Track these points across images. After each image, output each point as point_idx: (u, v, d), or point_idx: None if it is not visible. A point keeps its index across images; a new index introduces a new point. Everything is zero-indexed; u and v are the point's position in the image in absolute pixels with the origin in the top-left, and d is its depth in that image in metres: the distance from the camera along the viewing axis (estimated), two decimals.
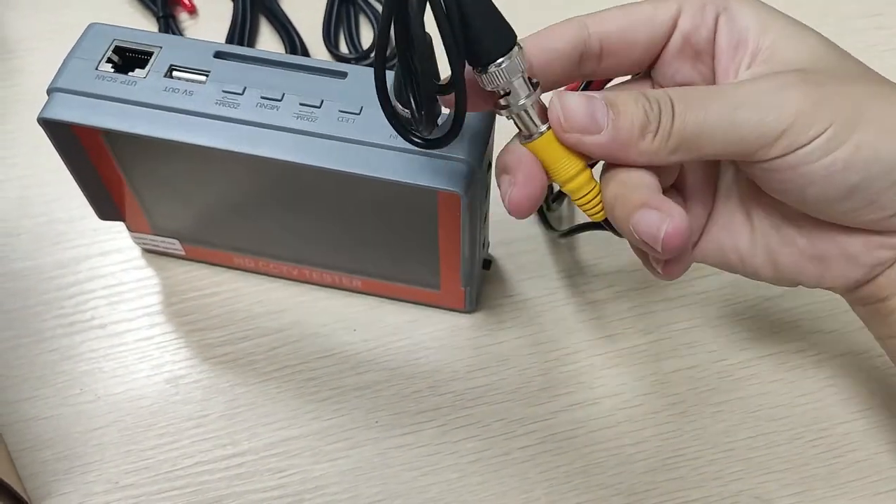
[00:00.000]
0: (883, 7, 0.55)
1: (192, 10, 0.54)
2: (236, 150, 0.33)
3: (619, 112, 0.28)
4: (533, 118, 0.30)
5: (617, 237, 0.32)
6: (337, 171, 0.33)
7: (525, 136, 0.30)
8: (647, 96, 0.29)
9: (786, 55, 0.30)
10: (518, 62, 0.28)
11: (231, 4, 0.54)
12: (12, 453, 0.40)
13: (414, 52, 0.27)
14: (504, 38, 0.28)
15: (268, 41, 0.53)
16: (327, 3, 0.54)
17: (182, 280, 0.45)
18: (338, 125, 0.33)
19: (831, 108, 0.28)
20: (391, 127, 0.31)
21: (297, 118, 0.34)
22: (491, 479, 0.39)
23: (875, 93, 0.29)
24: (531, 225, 0.46)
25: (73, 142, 0.36)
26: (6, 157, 0.49)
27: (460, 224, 0.35)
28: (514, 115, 0.30)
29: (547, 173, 0.30)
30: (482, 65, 0.28)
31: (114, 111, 0.34)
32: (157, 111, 0.34)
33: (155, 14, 0.53)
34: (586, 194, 0.30)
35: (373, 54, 0.51)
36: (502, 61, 0.28)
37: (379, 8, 0.53)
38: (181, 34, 0.53)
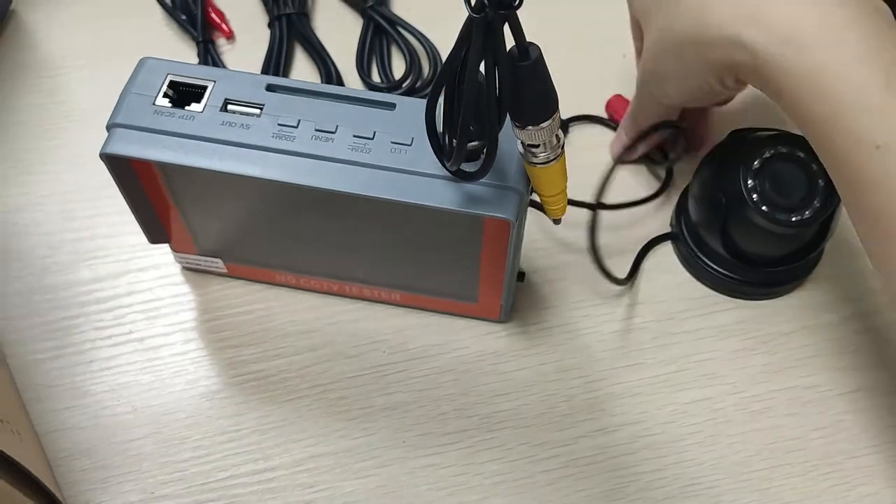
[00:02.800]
0: None
1: (230, 36, 0.56)
2: (297, 182, 0.35)
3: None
4: (547, 156, 0.33)
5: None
6: (396, 202, 0.34)
7: (531, 161, 0.34)
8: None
9: None
10: (554, 126, 0.32)
11: (267, 30, 0.56)
12: (51, 461, 0.41)
13: (461, 105, 0.30)
14: (548, 108, 0.31)
15: (303, 68, 0.55)
16: (361, 33, 0.55)
17: (217, 297, 0.46)
18: (391, 156, 0.35)
19: None
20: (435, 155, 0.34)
21: (352, 150, 0.35)
22: (514, 501, 0.41)
23: None
24: (559, 253, 0.47)
25: (129, 173, 0.38)
26: (51, 172, 0.50)
27: (507, 247, 0.37)
28: (529, 152, 0.33)
29: (536, 187, 0.36)
30: (522, 125, 0.32)
31: (175, 146, 0.36)
32: (217, 145, 0.36)
33: (195, 39, 0.55)
34: (561, 204, 0.37)
35: (404, 84, 0.53)
36: (542, 125, 0.31)
37: (411, 39, 0.54)
38: (220, 58, 0.54)
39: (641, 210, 0.49)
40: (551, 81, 0.31)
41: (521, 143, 0.34)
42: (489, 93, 0.29)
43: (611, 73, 0.54)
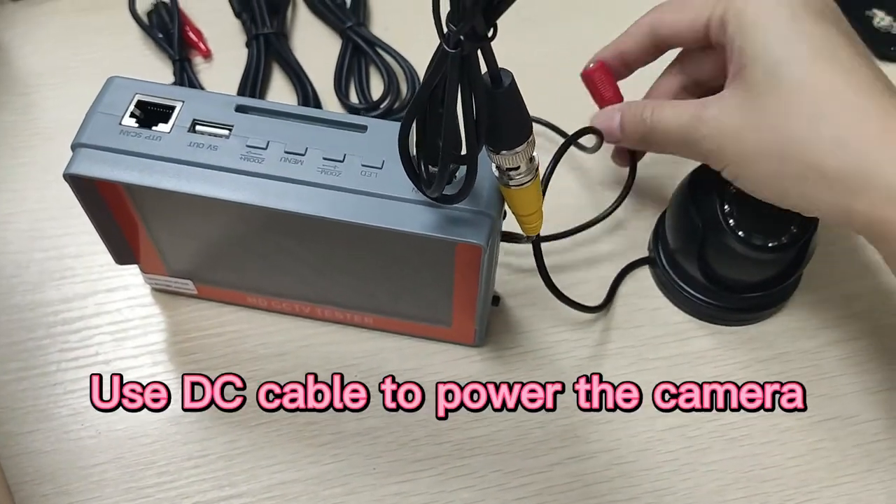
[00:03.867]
0: None
1: (207, 55, 0.56)
2: (264, 205, 0.34)
3: (624, 125, 0.43)
4: (523, 179, 0.33)
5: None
6: (365, 226, 0.34)
7: (507, 184, 0.34)
8: (643, 115, 0.42)
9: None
10: (528, 149, 0.32)
11: (245, 50, 0.55)
12: (12, 486, 0.40)
13: (440, 134, 0.30)
14: (522, 132, 0.32)
15: (280, 88, 0.55)
16: (339, 54, 0.55)
17: (187, 319, 0.45)
18: (362, 179, 0.35)
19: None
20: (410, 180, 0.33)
21: (322, 172, 0.35)
22: None
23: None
24: (534, 277, 0.47)
25: (94, 194, 0.37)
26: (19, 190, 0.49)
27: (478, 271, 0.36)
28: (505, 175, 0.33)
29: (512, 207, 0.36)
30: (497, 150, 0.32)
31: (140, 166, 0.35)
32: (183, 166, 0.35)
33: (171, 57, 0.54)
34: (536, 222, 0.37)
35: (382, 105, 0.53)
36: (517, 149, 0.32)
37: (389, 60, 0.54)
38: (196, 78, 0.54)
39: (620, 233, 0.49)
40: (525, 106, 0.31)
41: (497, 167, 0.33)
42: (467, 119, 0.29)
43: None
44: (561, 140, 0.50)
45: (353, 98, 0.54)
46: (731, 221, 0.42)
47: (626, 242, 0.49)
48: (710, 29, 0.40)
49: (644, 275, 0.48)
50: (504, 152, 0.32)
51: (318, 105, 0.53)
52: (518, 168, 0.33)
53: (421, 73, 0.53)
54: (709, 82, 0.43)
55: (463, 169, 0.33)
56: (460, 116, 0.30)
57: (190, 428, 0.42)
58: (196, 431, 0.42)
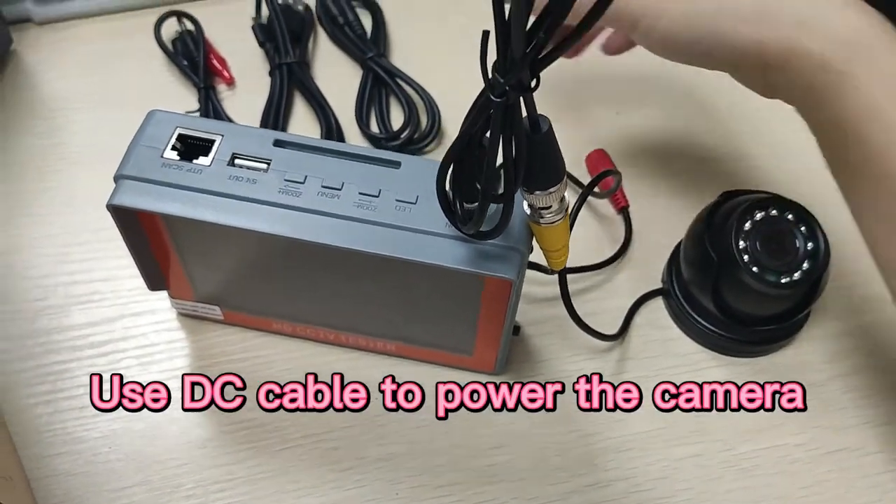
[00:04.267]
0: None
1: (231, 82, 0.57)
2: (303, 238, 0.35)
3: None
4: (553, 217, 0.35)
5: None
6: (401, 259, 0.35)
7: (538, 221, 0.35)
8: None
9: None
10: (561, 189, 0.33)
11: (268, 78, 0.56)
12: None
13: (477, 174, 0.31)
14: (557, 175, 0.33)
15: (303, 116, 0.56)
16: (360, 84, 0.56)
17: (213, 344, 0.46)
18: (396, 214, 0.36)
19: None
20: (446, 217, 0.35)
21: (358, 207, 0.36)
22: None
23: None
24: (553, 307, 0.48)
25: (135, 224, 0.38)
26: (45, 215, 0.50)
27: (506, 304, 0.38)
28: (537, 213, 0.35)
29: (540, 242, 0.37)
30: (531, 191, 0.33)
31: (183, 199, 0.36)
32: (224, 199, 0.36)
33: (196, 85, 0.55)
34: (563, 258, 0.38)
35: (402, 135, 0.54)
36: (551, 190, 0.33)
37: (409, 91, 0.55)
38: (220, 105, 0.55)
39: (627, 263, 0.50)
40: (559, 150, 0.32)
41: (529, 205, 0.35)
42: (507, 162, 0.31)
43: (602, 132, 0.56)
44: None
45: (374, 128, 0.55)
46: (745, 257, 0.43)
47: (639, 274, 0.50)
48: None
49: (657, 306, 0.49)
50: (538, 192, 0.33)
51: (340, 133, 0.54)
52: (550, 207, 0.34)
53: (441, 104, 0.54)
54: None
55: (496, 206, 0.35)
56: (499, 158, 0.31)
57: (216, 452, 0.43)
58: (221, 456, 0.43)
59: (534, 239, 0.37)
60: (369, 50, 0.57)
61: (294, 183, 0.36)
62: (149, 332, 0.46)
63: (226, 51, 0.58)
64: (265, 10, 0.58)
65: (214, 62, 0.57)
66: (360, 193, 0.36)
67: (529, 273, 0.42)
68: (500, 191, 0.32)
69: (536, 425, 0.44)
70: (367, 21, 0.60)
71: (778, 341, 0.47)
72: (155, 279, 0.42)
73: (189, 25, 0.58)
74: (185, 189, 0.36)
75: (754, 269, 0.43)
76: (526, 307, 0.48)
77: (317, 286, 0.41)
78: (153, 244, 0.40)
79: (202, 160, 0.37)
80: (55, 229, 0.50)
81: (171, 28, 0.58)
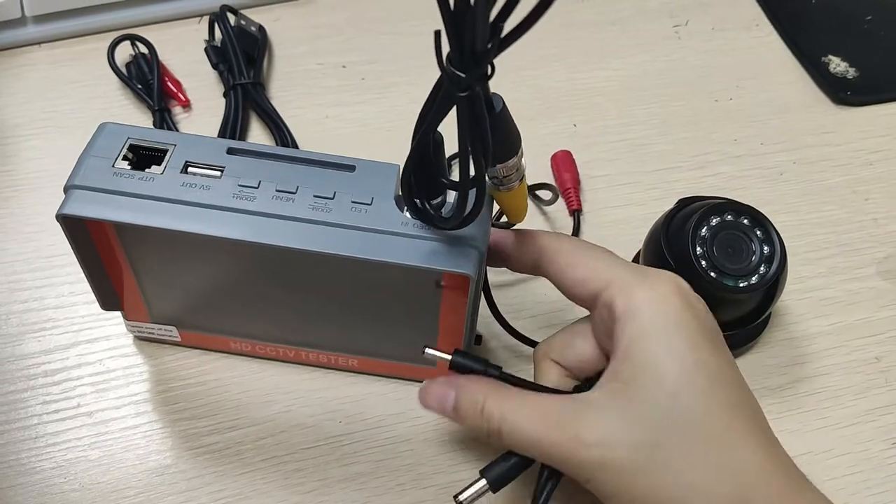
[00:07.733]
0: None
1: (187, 104, 0.56)
2: (257, 241, 0.35)
3: (459, 412, 0.36)
4: (513, 182, 0.36)
5: None
6: (357, 259, 0.35)
7: (499, 188, 0.36)
8: (484, 410, 0.35)
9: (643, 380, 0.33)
10: (519, 159, 0.35)
11: (223, 100, 0.56)
12: None
13: (465, 167, 0.32)
14: (514, 146, 0.34)
15: (258, 136, 0.55)
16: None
17: (170, 368, 0.45)
18: (352, 215, 0.36)
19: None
20: (402, 215, 0.36)
21: (313, 209, 0.36)
22: None
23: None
24: (516, 318, 0.48)
25: (85, 236, 0.38)
26: None
27: (466, 302, 0.37)
28: (499, 181, 0.36)
29: (501, 203, 0.38)
30: (493, 164, 0.35)
31: (133, 206, 0.35)
32: (176, 205, 0.35)
33: (150, 108, 0.55)
34: (523, 214, 0.39)
35: None
36: (509, 162, 0.34)
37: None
38: (176, 127, 0.54)
39: None
40: (514, 123, 0.33)
41: (492, 177, 0.36)
42: (475, 147, 0.31)
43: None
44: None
45: None
46: (702, 262, 0.43)
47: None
48: (598, 306, 0.36)
49: None
50: (498, 166, 0.34)
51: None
52: (510, 175, 0.35)
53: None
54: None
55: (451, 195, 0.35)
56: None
57: (175, 479, 0.42)
58: (181, 482, 0.42)
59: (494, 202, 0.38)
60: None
61: (248, 188, 0.36)
62: (104, 359, 0.46)
63: (181, 73, 0.58)
64: (218, 33, 0.58)
65: (170, 85, 0.56)
66: (315, 196, 0.36)
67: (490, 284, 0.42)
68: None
69: None
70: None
71: (738, 347, 0.47)
72: (108, 297, 0.42)
73: (143, 49, 0.57)
74: (136, 197, 0.36)
75: (712, 273, 0.43)
76: (489, 320, 0.47)
77: (274, 299, 0.41)
78: (105, 258, 0.39)
79: (154, 169, 0.36)
80: (7, 256, 0.49)
81: (124, 52, 0.57)
